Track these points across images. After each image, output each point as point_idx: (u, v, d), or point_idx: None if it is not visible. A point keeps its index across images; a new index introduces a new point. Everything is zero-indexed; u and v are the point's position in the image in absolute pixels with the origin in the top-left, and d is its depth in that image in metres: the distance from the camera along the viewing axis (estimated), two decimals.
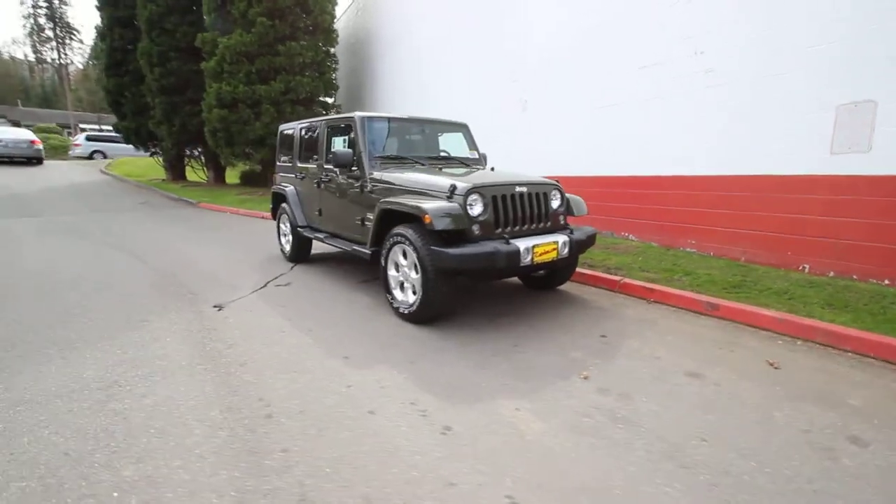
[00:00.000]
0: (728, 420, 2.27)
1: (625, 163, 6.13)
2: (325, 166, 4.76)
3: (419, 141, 4.80)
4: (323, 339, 3.27)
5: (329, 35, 12.58)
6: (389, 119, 4.48)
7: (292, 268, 5.39)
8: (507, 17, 7.94)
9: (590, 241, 3.97)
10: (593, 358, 2.96)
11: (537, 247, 3.43)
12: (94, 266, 5.41)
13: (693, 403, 2.42)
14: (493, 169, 4.34)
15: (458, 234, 3.30)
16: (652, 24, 5.68)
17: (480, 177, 3.71)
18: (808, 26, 4.36)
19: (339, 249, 4.60)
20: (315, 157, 5.00)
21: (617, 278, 4.44)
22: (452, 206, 3.28)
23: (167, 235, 7.62)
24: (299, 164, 5.35)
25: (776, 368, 2.82)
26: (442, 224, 3.17)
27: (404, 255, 3.57)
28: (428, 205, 3.26)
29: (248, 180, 17.77)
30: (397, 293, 3.69)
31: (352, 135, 4.38)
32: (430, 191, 3.54)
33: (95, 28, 18.09)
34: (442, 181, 3.50)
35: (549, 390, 2.54)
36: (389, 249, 3.66)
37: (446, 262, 3.18)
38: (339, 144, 4.63)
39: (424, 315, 3.44)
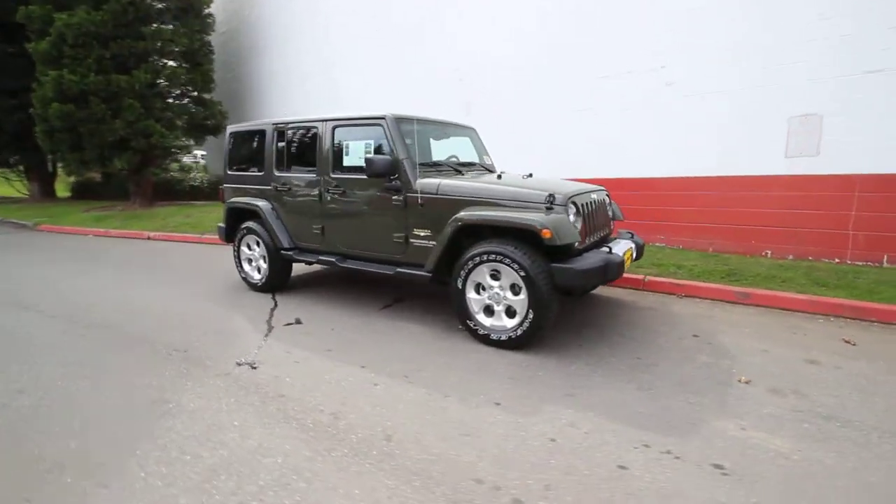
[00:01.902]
0: (894, 399, 2.50)
1: (589, 167, 6.44)
2: (334, 175, 4.00)
3: (434, 145, 4.34)
4: (434, 385, 2.70)
5: (205, 20, 10.73)
6: (417, 120, 3.95)
7: (275, 299, 4.42)
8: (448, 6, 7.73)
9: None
10: (721, 360, 3.01)
11: (625, 254, 3.37)
12: None
13: (849, 388, 2.61)
14: (531, 175, 4.13)
15: (567, 248, 3.05)
16: (614, 37, 6.07)
17: (555, 184, 3.49)
18: (763, 49, 5.12)
19: (329, 270, 3.90)
20: (310, 164, 4.18)
21: (640, 277, 4.64)
22: (562, 217, 3.01)
23: (36, 273, 5.63)
24: (278, 174, 4.40)
25: (854, 345, 3.22)
26: (564, 238, 2.89)
27: (493, 275, 3.17)
28: (541, 217, 2.93)
29: (85, 192, 14.31)
30: (482, 318, 3.26)
31: (377, 139, 3.77)
32: (516, 202, 3.18)
33: None
34: (532, 191, 3.19)
35: (734, 402, 2.49)
36: (471, 270, 3.22)
37: (571, 279, 2.91)
38: (355, 150, 3.91)
39: (530, 340, 3.09)
